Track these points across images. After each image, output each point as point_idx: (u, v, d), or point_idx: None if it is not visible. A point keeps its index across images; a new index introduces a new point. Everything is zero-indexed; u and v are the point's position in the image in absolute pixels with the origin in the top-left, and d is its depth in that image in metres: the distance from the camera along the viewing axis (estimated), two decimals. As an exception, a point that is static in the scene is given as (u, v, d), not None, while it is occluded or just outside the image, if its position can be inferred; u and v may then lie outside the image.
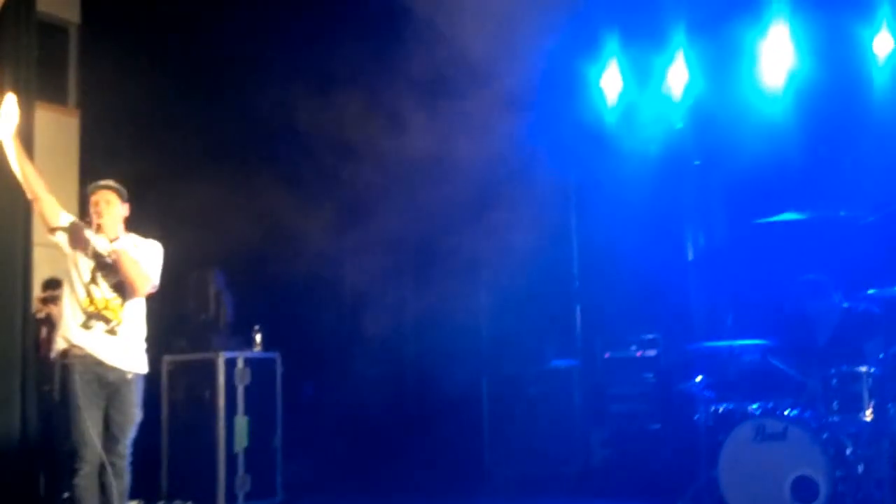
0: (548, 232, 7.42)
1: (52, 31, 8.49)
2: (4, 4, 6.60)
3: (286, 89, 7.56)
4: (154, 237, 5.07)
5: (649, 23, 7.50)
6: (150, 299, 4.93)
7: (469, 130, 6.83)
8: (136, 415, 4.80)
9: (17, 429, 6.72)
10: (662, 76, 7.58)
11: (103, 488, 4.67)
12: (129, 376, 4.78)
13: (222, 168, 7.62)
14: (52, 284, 7.15)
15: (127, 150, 7.68)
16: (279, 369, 7.24)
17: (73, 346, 4.69)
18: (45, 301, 7.03)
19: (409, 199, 7.40)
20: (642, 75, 7.71)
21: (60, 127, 8.40)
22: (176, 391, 7.15)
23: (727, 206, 7.17)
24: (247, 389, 7.02)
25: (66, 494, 4.73)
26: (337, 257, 7.88)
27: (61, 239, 4.82)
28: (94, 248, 4.78)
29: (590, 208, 7.67)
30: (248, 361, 7.06)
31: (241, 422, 6.93)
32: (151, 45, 7.98)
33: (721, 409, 5.74)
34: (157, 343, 7.00)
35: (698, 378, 5.82)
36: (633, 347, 7.24)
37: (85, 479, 4.60)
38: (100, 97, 8.39)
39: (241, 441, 6.90)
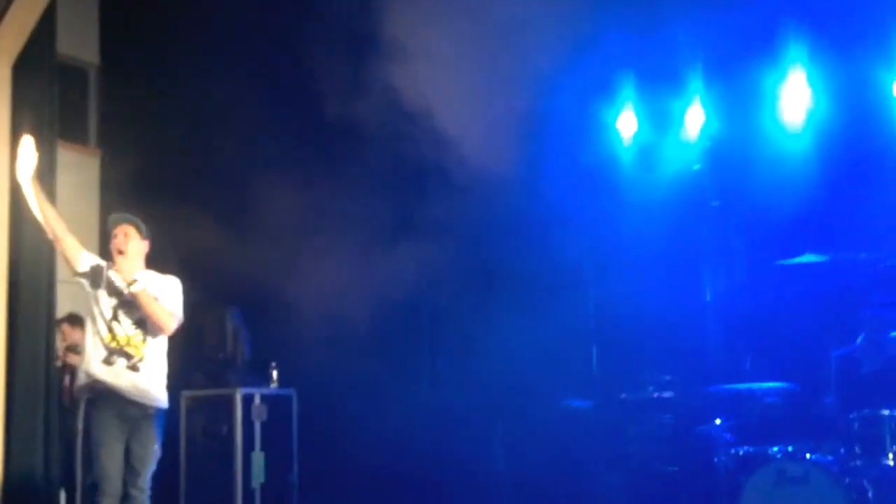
0: (563, 272, 7.43)
1: (72, 72, 8.62)
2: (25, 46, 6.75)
3: (299, 129, 7.65)
4: (173, 274, 5.11)
5: (666, 65, 7.55)
6: (170, 336, 4.96)
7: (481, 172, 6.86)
8: (155, 449, 4.82)
9: (40, 463, 6.74)
10: (679, 118, 7.62)
11: None
12: (150, 411, 4.81)
13: (240, 206, 7.68)
14: (74, 319, 7.20)
15: (146, 187, 7.76)
16: (295, 406, 7.27)
17: (96, 381, 4.73)
18: (68, 350, 7.07)
19: (420, 248, 7.43)
20: (658, 117, 7.75)
21: (82, 166, 8.49)
22: (194, 426, 7.16)
23: (745, 248, 7.17)
24: (264, 425, 7.05)
25: None
26: (353, 297, 7.90)
27: (83, 278, 4.88)
28: (114, 286, 4.82)
29: (606, 249, 7.67)
30: (264, 398, 7.10)
31: (258, 457, 6.94)
32: (169, 85, 8.09)
33: (741, 452, 5.70)
34: (176, 378, 7.01)
35: (717, 420, 5.79)
36: (650, 388, 7.21)
37: None
38: (119, 136, 8.50)
39: (258, 476, 6.91)
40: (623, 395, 7.33)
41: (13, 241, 6.78)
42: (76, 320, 7.22)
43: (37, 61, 7.56)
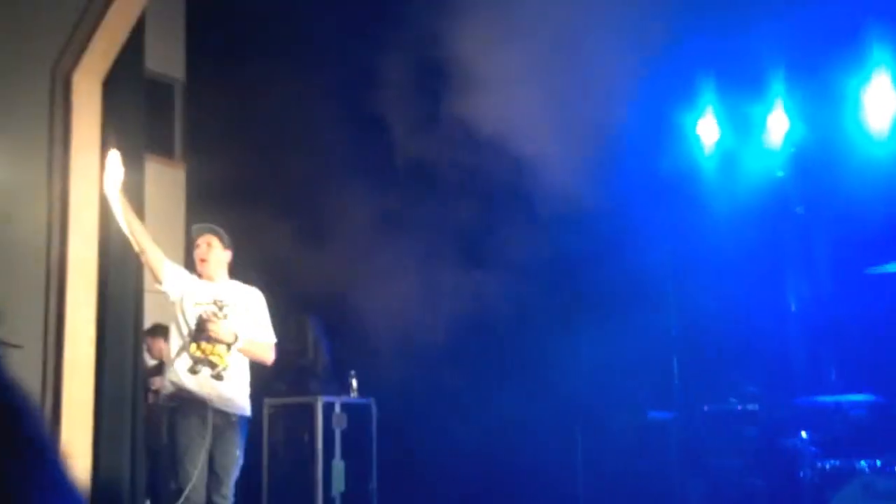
0: (643, 282, 7.33)
1: (158, 87, 8.85)
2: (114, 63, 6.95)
3: (379, 142, 7.72)
4: (255, 283, 5.19)
5: (747, 69, 7.42)
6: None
7: (563, 180, 6.82)
8: (238, 456, 4.89)
9: (126, 472, 6.91)
10: (761, 124, 7.48)
11: None
12: (234, 419, 4.90)
13: (320, 216, 7.78)
14: (157, 331, 7.38)
15: (229, 198, 7.91)
16: (375, 414, 7.31)
17: (181, 389, 4.83)
18: (152, 373, 7.24)
19: (503, 252, 7.42)
20: (740, 123, 7.61)
21: (168, 178, 8.71)
22: (275, 433, 7.27)
23: (831, 256, 6.98)
24: (344, 434, 7.10)
25: None
26: (431, 307, 7.93)
27: (168, 288, 4.99)
28: (199, 296, 4.92)
29: (687, 258, 7.55)
30: (344, 406, 7.16)
31: (339, 466, 6.99)
32: (251, 99, 8.24)
33: (827, 466, 5.54)
34: (258, 386, 7.14)
35: (803, 433, 5.64)
36: (733, 400, 7.05)
37: None
38: (203, 149, 8.69)
39: (339, 485, 6.96)
40: (705, 408, 7.19)
41: (102, 252, 6.99)
42: (159, 331, 7.41)
43: (126, 78, 7.80)
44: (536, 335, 7.52)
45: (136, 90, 8.00)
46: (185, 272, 5.07)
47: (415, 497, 7.67)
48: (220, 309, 4.89)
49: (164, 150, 8.93)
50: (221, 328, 4.84)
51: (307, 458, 6.93)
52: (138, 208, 7.85)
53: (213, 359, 4.92)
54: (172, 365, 4.95)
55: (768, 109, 7.43)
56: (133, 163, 7.87)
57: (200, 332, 4.88)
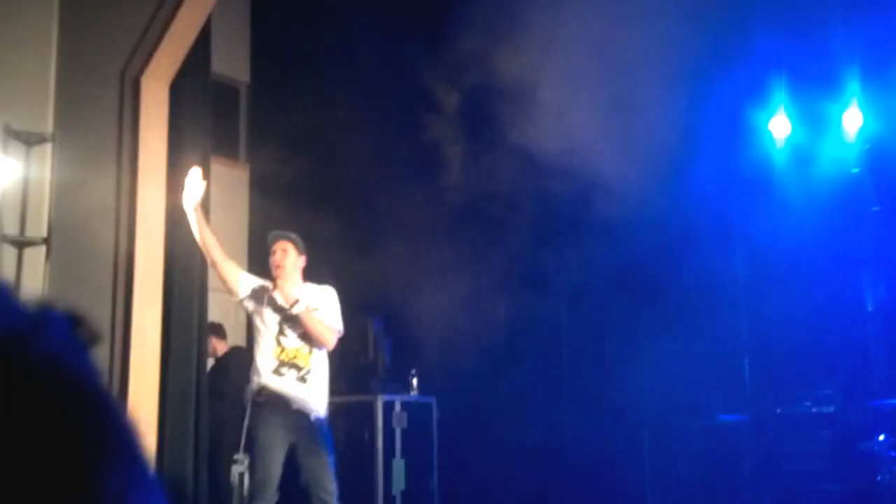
0: (714, 282, 7.15)
1: (224, 90, 8.97)
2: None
3: (441, 143, 7.68)
4: (320, 282, 5.22)
5: (821, 66, 7.22)
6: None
7: (630, 180, 6.69)
8: (326, 453, 4.96)
9: (190, 470, 6.98)
10: (836, 120, 7.27)
11: None
12: (312, 419, 4.93)
13: (381, 217, 7.77)
14: (216, 330, 7.45)
15: (292, 200, 7.96)
16: (435, 414, 7.26)
17: (264, 388, 4.90)
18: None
19: (562, 249, 7.31)
20: (814, 119, 7.42)
21: (232, 180, 8.80)
22: (337, 432, 7.23)
23: (910, 254, 6.73)
24: (404, 433, 7.06)
25: None
26: (494, 307, 7.85)
27: (244, 298, 5.06)
28: (277, 303, 4.99)
29: (759, 257, 7.35)
30: (405, 405, 7.12)
31: (399, 464, 6.95)
32: (314, 102, 8.28)
33: (907, 470, 5.31)
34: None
35: (881, 436, 5.42)
36: (808, 403, 6.82)
37: None
38: (267, 152, 8.77)
39: (399, 483, 6.92)
40: (778, 410, 6.97)
41: (168, 253, 7.07)
42: (218, 331, 7.47)
43: (192, 81, 7.91)
44: (603, 336, 7.39)
45: (203, 93, 8.11)
46: (259, 281, 5.13)
47: (475, 496, 7.59)
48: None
49: (229, 151, 9.02)
50: (287, 287, 4.88)
51: (368, 457, 6.90)
52: (204, 209, 7.97)
53: (298, 361, 5.00)
54: (257, 367, 4.97)
55: (843, 106, 7.23)
56: (200, 164, 7.98)
57: (285, 314, 4.95)
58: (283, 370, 4.95)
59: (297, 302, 4.93)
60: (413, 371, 7.37)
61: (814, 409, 6.79)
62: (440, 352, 7.45)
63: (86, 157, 7.22)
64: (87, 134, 7.25)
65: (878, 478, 5.45)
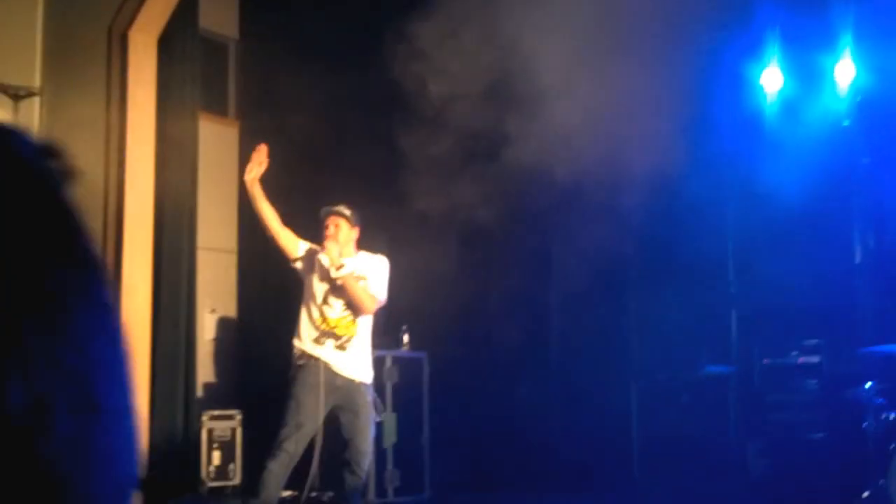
0: (701, 233, 7.16)
1: (212, 46, 8.91)
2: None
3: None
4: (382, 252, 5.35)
5: (813, 17, 7.19)
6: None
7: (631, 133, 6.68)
8: (369, 416, 5.07)
9: (180, 418, 7.03)
10: (828, 73, 7.24)
11: (342, 482, 5.05)
12: (357, 383, 5.00)
13: (373, 172, 7.74)
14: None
15: (282, 157, 7.92)
16: (426, 369, 7.30)
17: (306, 353, 4.97)
18: None
19: (556, 206, 7.30)
20: (805, 72, 7.38)
21: (222, 136, 8.76)
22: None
23: (898, 206, 6.73)
24: (395, 387, 7.10)
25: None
26: (484, 261, 7.86)
27: (299, 265, 5.13)
28: (324, 268, 5.05)
29: (747, 208, 7.35)
30: (396, 360, 7.16)
31: (390, 418, 7.00)
32: (304, 58, 8.23)
33: (892, 417, 5.35)
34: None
35: (868, 384, 5.45)
36: (794, 353, 6.86)
37: (278, 466, 4.83)
38: (257, 108, 8.73)
39: (390, 437, 6.97)
40: (766, 361, 7.01)
41: (158, 209, 7.07)
42: None
43: (181, 36, 7.86)
44: (591, 290, 7.40)
45: (192, 49, 8.07)
46: (311, 248, 5.20)
47: (466, 450, 7.65)
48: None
49: (217, 108, 8.98)
50: (333, 252, 4.94)
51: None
52: (192, 164, 7.96)
53: (339, 331, 5.06)
54: (300, 333, 5.10)
55: (836, 58, 7.19)
56: (188, 120, 7.96)
57: (326, 296, 5.02)
58: (323, 339, 5.05)
59: (342, 266, 5.00)
60: (404, 327, 7.40)
61: (801, 360, 6.83)
62: (431, 308, 7.47)
63: (74, 112, 7.19)
64: (74, 88, 7.21)
65: (864, 425, 5.49)
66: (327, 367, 4.99)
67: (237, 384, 8.15)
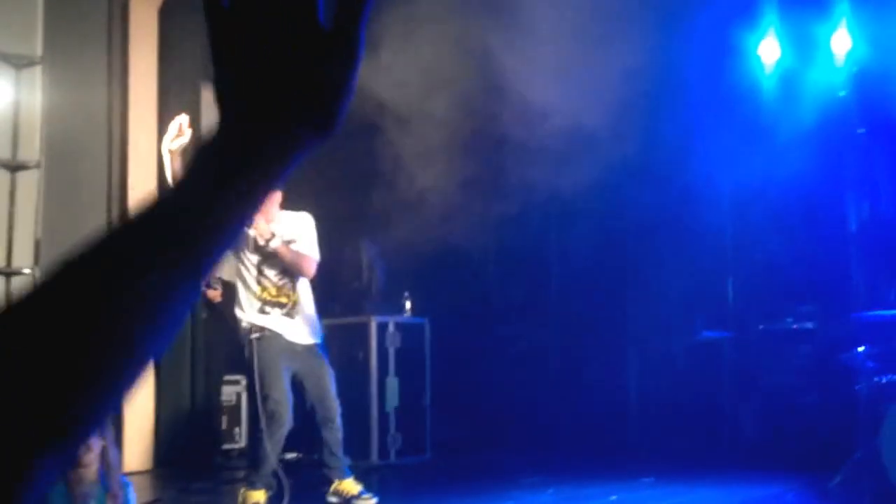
0: (698, 200, 7.26)
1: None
2: None
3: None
4: (310, 210, 5.26)
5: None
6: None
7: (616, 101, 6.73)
8: (329, 373, 5.14)
9: (187, 393, 7.15)
10: (825, 43, 7.30)
11: (322, 443, 5.12)
12: (311, 345, 5.06)
13: (371, 139, 7.80)
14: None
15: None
16: (428, 334, 7.42)
17: (255, 325, 5.00)
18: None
19: (551, 171, 7.37)
20: (802, 43, 7.44)
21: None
22: (331, 353, 7.37)
23: (892, 176, 6.83)
24: (398, 352, 7.23)
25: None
26: (482, 227, 7.94)
27: None
28: (254, 243, 5.02)
29: (744, 176, 7.45)
30: (398, 326, 7.28)
31: (393, 383, 7.13)
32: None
33: (884, 380, 5.47)
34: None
35: (861, 348, 5.57)
36: (789, 320, 6.99)
37: (275, 440, 4.94)
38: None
39: (393, 401, 7.11)
40: (761, 327, 7.14)
41: (161, 176, 7.13)
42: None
43: (181, 6, 7.88)
44: (590, 255, 7.50)
45: (192, 18, 8.08)
46: None
47: (466, 413, 7.78)
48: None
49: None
50: (261, 224, 4.94)
51: (363, 376, 7.07)
52: (196, 134, 7.99)
53: (281, 299, 5.07)
54: (243, 307, 5.09)
55: (832, 29, 7.25)
56: (190, 90, 8.00)
57: (260, 268, 5.02)
58: (268, 309, 5.04)
59: (272, 237, 4.96)
60: (406, 293, 7.51)
61: (795, 325, 6.96)
62: (432, 274, 7.57)
63: (75, 80, 7.23)
64: (76, 57, 7.24)
65: (856, 388, 5.61)
66: (280, 337, 5.01)
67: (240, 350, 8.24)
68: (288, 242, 5.05)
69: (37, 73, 7.12)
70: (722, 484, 5.84)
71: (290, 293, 5.07)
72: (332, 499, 5.16)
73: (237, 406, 7.53)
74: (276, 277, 5.07)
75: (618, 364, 7.63)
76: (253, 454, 5.27)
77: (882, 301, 6.03)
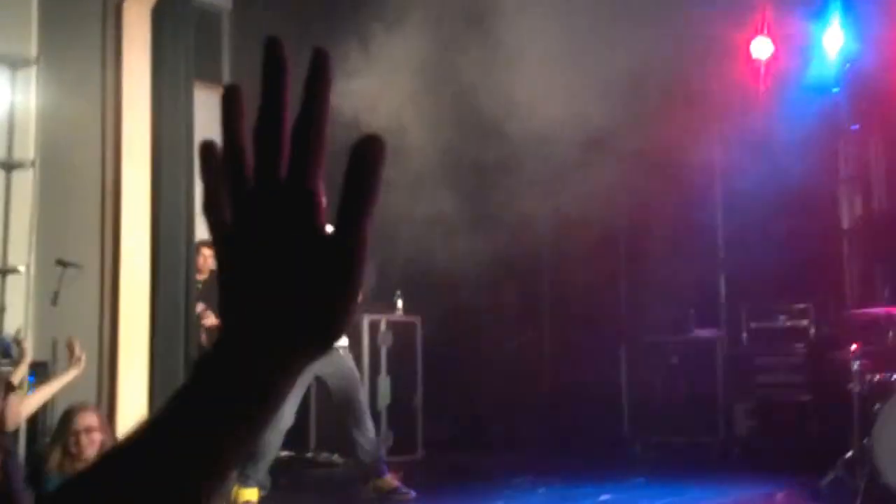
0: (691, 198, 7.25)
1: (207, 15, 8.95)
2: None
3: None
4: None
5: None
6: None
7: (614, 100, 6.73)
8: (354, 375, 5.24)
9: (181, 376, 7.12)
10: (817, 41, 7.30)
11: (355, 445, 5.29)
12: (336, 347, 5.11)
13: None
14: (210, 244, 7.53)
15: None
16: (420, 332, 7.41)
17: None
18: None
19: (540, 167, 7.36)
20: (796, 39, 7.43)
21: (216, 104, 8.76)
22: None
23: (885, 173, 6.82)
24: (389, 351, 7.23)
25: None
26: (474, 227, 7.94)
27: None
28: None
29: (737, 174, 7.44)
30: (390, 325, 7.28)
31: (385, 381, 7.13)
32: (296, 28, 8.26)
33: (876, 379, 5.46)
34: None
35: (853, 346, 5.56)
36: (782, 318, 6.99)
37: (276, 433, 5.00)
38: (251, 77, 8.74)
39: (384, 399, 7.11)
40: (753, 325, 7.14)
41: (155, 175, 7.14)
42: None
43: (174, 6, 7.88)
44: (582, 254, 7.49)
45: (185, 18, 8.08)
46: None
47: (458, 412, 7.78)
48: None
49: (212, 76, 9.00)
50: None
51: (355, 374, 7.07)
52: (188, 132, 7.99)
53: None
54: None
55: (824, 26, 7.24)
56: (183, 88, 7.99)
57: None
58: None
59: None
60: (398, 292, 7.50)
61: (788, 323, 6.95)
62: (425, 273, 7.56)
63: (70, 81, 7.24)
64: (70, 58, 7.26)
65: (849, 386, 5.59)
66: None
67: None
68: None
69: (32, 73, 7.13)
70: (713, 483, 5.83)
71: None
72: (372, 495, 5.26)
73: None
74: None
75: (612, 361, 7.63)
76: (251, 454, 5.29)
77: (875, 299, 6.03)
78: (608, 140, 6.95)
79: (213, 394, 0.65)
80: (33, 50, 7.16)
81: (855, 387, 5.51)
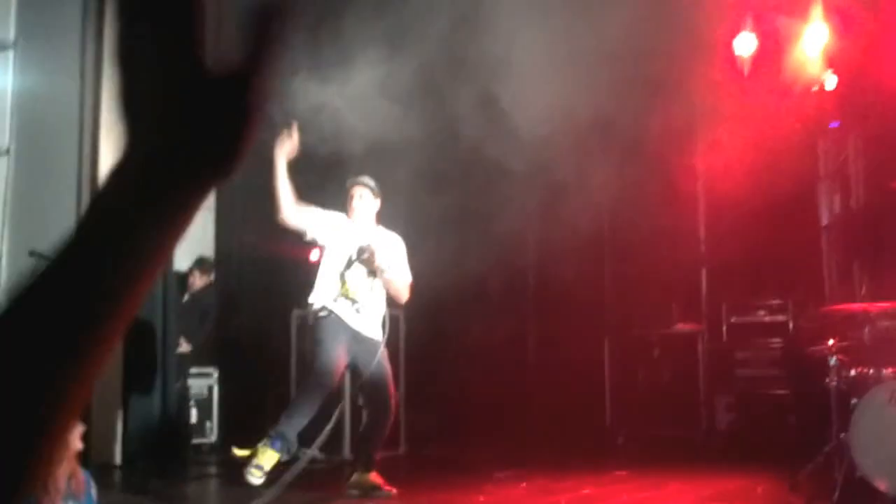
0: (672, 193, 7.29)
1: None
2: None
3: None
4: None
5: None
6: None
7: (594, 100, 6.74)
8: (386, 369, 5.27)
9: (159, 374, 7.09)
10: (799, 37, 7.34)
11: (365, 434, 5.39)
12: (376, 341, 5.29)
13: (356, 133, 7.75)
14: (200, 263, 7.50)
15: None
16: (402, 326, 7.35)
17: (327, 308, 5.11)
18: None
19: (528, 161, 7.37)
20: (777, 36, 7.48)
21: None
22: (304, 342, 7.33)
23: (864, 169, 6.89)
24: (371, 344, 7.16)
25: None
26: (457, 220, 7.93)
27: (314, 237, 5.18)
28: (349, 239, 5.14)
29: (718, 170, 7.49)
30: (373, 318, 7.21)
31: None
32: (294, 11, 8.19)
33: (854, 374, 5.52)
34: (287, 298, 7.22)
35: (831, 341, 5.62)
36: (762, 312, 7.05)
37: (318, 395, 5.08)
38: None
39: (366, 393, 7.04)
40: (733, 319, 7.20)
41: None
42: (202, 264, 7.54)
43: None
44: (564, 247, 7.51)
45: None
46: (334, 217, 5.25)
47: (440, 406, 7.78)
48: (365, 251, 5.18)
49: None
50: (378, 257, 5.18)
51: (337, 368, 7.03)
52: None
53: (354, 297, 5.26)
54: (318, 292, 5.28)
55: (806, 21, 7.29)
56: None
57: (358, 259, 5.16)
58: (340, 300, 5.22)
59: (387, 269, 5.20)
60: (380, 285, 7.46)
61: (767, 318, 7.02)
62: (410, 267, 7.54)
63: (48, 66, 7.14)
64: (49, 42, 7.15)
65: (826, 381, 5.65)
66: (347, 326, 5.20)
67: (213, 342, 8.17)
68: (382, 271, 5.29)
69: (9, 57, 7.03)
70: (694, 476, 5.88)
71: (368, 293, 5.29)
72: (353, 491, 5.20)
73: (209, 399, 7.46)
74: (359, 279, 5.25)
75: (594, 355, 7.67)
76: (287, 408, 5.27)
77: (853, 295, 6.10)
78: (592, 136, 6.97)
79: (109, 214, 0.67)
80: (11, 33, 7.05)
81: (832, 381, 5.58)
